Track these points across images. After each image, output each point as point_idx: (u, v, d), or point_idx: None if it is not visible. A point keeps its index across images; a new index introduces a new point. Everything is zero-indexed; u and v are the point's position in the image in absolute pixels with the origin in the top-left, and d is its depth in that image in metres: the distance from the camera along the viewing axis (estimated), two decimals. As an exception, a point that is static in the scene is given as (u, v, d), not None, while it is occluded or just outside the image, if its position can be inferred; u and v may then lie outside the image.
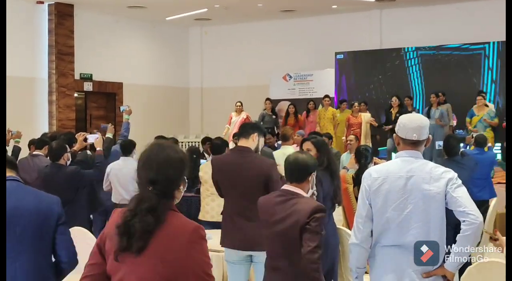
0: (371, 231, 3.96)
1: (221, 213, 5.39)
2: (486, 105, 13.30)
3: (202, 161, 8.95)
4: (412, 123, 3.95)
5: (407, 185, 3.86)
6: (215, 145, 7.82)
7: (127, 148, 8.12)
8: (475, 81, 15.38)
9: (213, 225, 7.21)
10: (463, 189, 3.81)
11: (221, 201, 7.24)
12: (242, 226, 5.03)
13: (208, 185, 7.41)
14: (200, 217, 7.59)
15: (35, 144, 8.49)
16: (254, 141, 5.20)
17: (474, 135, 11.20)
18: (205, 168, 7.58)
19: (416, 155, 3.93)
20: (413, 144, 3.94)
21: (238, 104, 15.07)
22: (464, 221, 3.72)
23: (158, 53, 18.55)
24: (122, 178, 7.94)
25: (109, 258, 2.80)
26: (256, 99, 16.73)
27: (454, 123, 14.03)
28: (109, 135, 8.31)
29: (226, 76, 19.10)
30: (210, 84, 19.58)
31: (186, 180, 2.86)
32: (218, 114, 18.15)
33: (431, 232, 3.82)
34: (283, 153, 8.36)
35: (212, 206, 7.46)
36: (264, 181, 4.95)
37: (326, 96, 14.91)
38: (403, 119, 4.02)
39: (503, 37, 14.99)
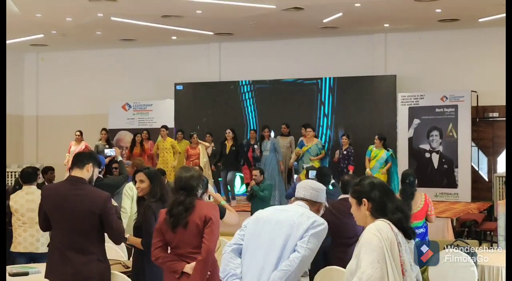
0: (239, 245, 4.32)
1: (48, 245, 5.22)
2: (316, 137, 13.94)
3: None
4: (303, 184, 4.52)
5: (276, 223, 4.24)
6: (26, 173, 7.51)
7: None
8: (309, 115, 16.00)
9: (26, 256, 7.07)
10: (316, 232, 4.16)
11: (34, 232, 7.11)
12: (73, 259, 4.90)
13: (19, 214, 7.24)
14: (12, 248, 7.32)
15: None
16: (88, 172, 5.06)
17: (305, 167, 11.71)
18: (15, 198, 7.38)
19: (304, 206, 4.37)
20: (304, 200, 4.44)
21: (78, 133, 14.74)
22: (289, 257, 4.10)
23: (-9, 78, 17.78)
24: None
25: (167, 233, 4.77)
26: (95, 128, 16.44)
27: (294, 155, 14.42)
28: None
29: (64, 104, 18.66)
30: (47, 112, 19.02)
31: (202, 187, 4.94)
32: (54, 143, 17.69)
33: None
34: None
35: (24, 236, 7.23)
36: (98, 215, 4.85)
37: (164, 126, 14.92)
38: (302, 182, 4.60)
39: (334, 74, 15.87)
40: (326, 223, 4.22)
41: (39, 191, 7.44)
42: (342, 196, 6.46)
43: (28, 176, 7.49)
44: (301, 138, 13.89)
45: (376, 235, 3.61)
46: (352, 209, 3.88)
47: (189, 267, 4.70)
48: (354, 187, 3.91)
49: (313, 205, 4.37)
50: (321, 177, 7.84)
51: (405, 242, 3.69)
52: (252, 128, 16.11)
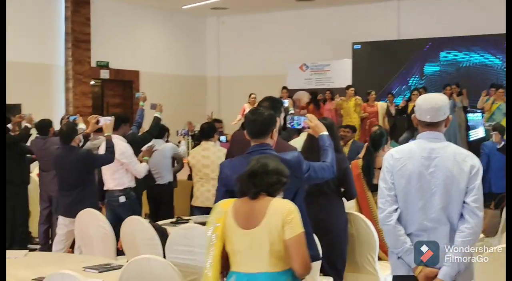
0: (396, 210, 3.78)
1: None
2: None
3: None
4: (425, 105, 3.81)
5: (430, 166, 3.73)
6: (204, 130, 7.65)
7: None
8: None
9: (202, 211, 7.03)
10: (480, 181, 3.69)
11: (210, 187, 7.15)
12: None
13: (196, 169, 7.38)
14: (192, 202, 7.56)
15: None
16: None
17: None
18: (193, 153, 7.55)
19: (437, 136, 3.79)
20: (430, 126, 3.80)
21: (253, 96, 14.96)
22: (466, 220, 3.66)
23: (175, 42, 18.51)
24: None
25: None
26: (272, 88, 16.64)
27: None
28: (157, 114, 8.30)
29: (243, 66, 19.06)
30: (227, 73, 19.55)
31: None
32: (234, 102, 18.11)
33: (449, 217, 3.71)
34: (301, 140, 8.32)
35: (201, 191, 7.38)
36: None
37: (349, 86, 14.81)
38: (419, 100, 3.89)
39: None
40: (476, 159, 3.73)
41: (215, 148, 7.63)
42: None
43: (206, 132, 7.60)
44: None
45: None
46: None
47: None
48: None
49: (438, 125, 3.79)
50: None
51: None
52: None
